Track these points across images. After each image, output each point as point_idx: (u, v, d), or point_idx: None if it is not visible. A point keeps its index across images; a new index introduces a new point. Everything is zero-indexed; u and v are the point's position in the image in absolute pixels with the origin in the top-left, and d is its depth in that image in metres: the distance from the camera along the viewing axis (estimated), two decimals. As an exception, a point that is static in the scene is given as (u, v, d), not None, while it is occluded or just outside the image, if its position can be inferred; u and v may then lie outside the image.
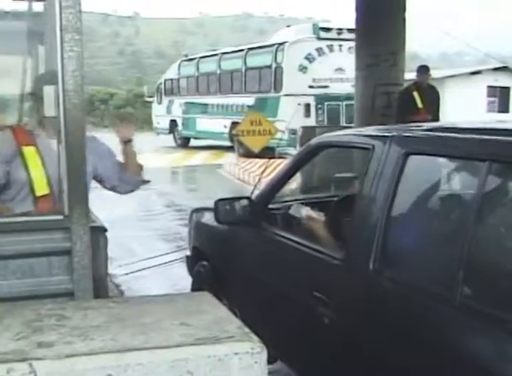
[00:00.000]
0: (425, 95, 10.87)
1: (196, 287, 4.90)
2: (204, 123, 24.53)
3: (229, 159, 19.13)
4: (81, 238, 2.99)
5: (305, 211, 4.02)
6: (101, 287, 3.39)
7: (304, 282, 3.46)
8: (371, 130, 3.71)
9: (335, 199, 4.13)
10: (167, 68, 29.70)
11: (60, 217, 3.05)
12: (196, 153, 23.29)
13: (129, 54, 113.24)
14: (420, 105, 10.78)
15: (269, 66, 20.33)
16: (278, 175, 4.24)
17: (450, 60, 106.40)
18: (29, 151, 3.63)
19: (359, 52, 11.64)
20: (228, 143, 22.02)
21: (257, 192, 4.55)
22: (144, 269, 7.73)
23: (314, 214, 3.96)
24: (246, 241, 4.29)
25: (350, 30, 16.85)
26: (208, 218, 4.73)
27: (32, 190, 3.63)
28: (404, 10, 11.38)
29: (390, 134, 3.20)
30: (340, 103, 19.36)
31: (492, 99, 30.07)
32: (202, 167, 19.45)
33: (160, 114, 28.80)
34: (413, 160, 2.94)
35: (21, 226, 3.05)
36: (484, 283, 2.34)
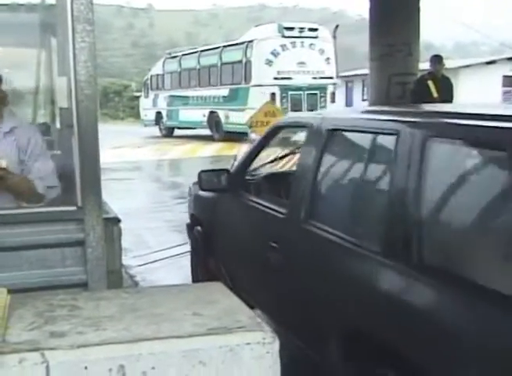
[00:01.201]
0: (440, 85, 10.81)
1: (192, 249, 6.05)
2: (186, 114, 27.43)
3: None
4: (94, 229, 3.00)
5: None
6: (115, 279, 3.40)
7: (264, 235, 4.30)
8: (309, 113, 4.74)
9: (283, 172, 5.24)
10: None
11: (73, 208, 3.06)
12: (209, 144, 23.41)
13: (143, 46, 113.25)
14: (435, 94, 10.72)
15: (240, 61, 23.18)
16: (249, 152, 5.20)
17: (465, 50, 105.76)
18: None
19: (373, 42, 11.60)
20: (206, 131, 25.51)
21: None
22: (158, 260, 7.76)
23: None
24: (226, 206, 5.20)
25: (311, 29, 22.58)
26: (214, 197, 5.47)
27: None
28: (418, 0, 11.32)
29: (320, 116, 4.27)
30: (302, 92, 22.68)
31: (508, 88, 29.90)
32: (216, 158, 19.59)
33: (147, 107, 31.71)
34: (336, 136, 3.87)
35: (34, 217, 3.07)
36: (377, 229, 3.14)
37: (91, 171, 3.00)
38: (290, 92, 22.45)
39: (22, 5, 5.58)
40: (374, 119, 3.69)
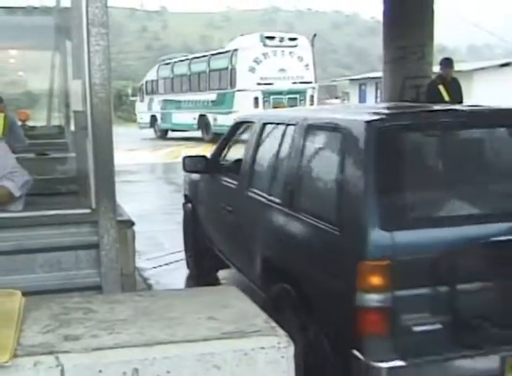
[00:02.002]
0: (450, 88, 10.75)
1: (184, 222, 7.43)
2: (178, 117, 29.59)
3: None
4: (109, 232, 3.00)
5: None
6: (129, 281, 3.40)
7: (224, 202, 5.71)
8: (255, 112, 6.93)
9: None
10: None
11: (88, 211, 3.07)
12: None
13: (156, 49, 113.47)
14: (446, 98, 10.67)
15: (226, 68, 25.39)
16: (220, 143, 6.59)
17: (479, 53, 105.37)
18: None
19: (387, 44, 11.55)
20: (197, 133, 27.38)
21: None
22: (171, 262, 7.76)
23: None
24: (204, 184, 6.65)
25: (290, 39, 24.90)
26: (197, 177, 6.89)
27: None
28: (432, 2, 11.26)
29: (259, 114, 6.22)
30: (283, 96, 24.59)
31: (522, 91, 29.71)
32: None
33: (142, 111, 33.89)
34: (266, 128, 5.24)
35: (48, 220, 3.08)
36: (281, 190, 4.48)
37: (105, 174, 3.00)
38: (271, 96, 24.33)
39: (37, 8, 5.61)
40: (285, 115, 5.34)
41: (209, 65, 27.26)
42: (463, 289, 3.23)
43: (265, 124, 5.30)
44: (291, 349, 2.01)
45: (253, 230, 4.86)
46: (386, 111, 4.44)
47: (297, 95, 25.03)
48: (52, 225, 3.05)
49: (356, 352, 3.23)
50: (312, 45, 25.82)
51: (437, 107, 4.69)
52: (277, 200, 4.45)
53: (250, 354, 1.96)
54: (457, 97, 10.79)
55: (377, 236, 3.23)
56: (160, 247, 8.60)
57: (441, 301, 3.25)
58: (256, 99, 24.00)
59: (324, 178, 4.07)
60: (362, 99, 40.67)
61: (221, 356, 1.95)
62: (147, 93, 33.37)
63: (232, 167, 6.09)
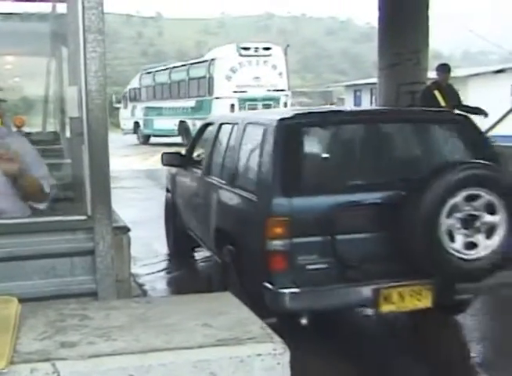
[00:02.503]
0: (446, 94, 10.76)
1: (165, 212, 8.77)
2: (160, 123, 31.04)
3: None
4: (104, 238, 3.00)
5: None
6: (124, 287, 3.40)
7: (194, 189, 6.99)
8: (216, 115, 10.63)
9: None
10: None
11: (83, 217, 3.06)
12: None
13: (152, 55, 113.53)
14: (442, 103, 10.69)
15: (205, 77, 27.27)
16: (191, 142, 8.21)
17: (474, 59, 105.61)
18: None
19: (382, 51, 11.60)
20: (178, 138, 28.45)
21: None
22: (167, 269, 7.76)
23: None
24: (179, 177, 7.92)
25: (265, 49, 26.73)
26: (173, 169, 8.17)
27: None
28: (427, 8, 11.31)
29: (218, 116, 8.55)
30: (257, 102, 25.78)
31: (517, 97, 29.77)
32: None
33: (126, 117, 35.46)
34: (222, 127, 6.60)
35: (44, 227, 3.07)
36: (226, 173, 5.86)
37: (101, 181, 3.00)
38: (247, 103, 25.49)
39: (33, 14, 5.62)
40: (234, 117, 7.48)
41: (188, 74, 29.08)
42: (342, 238, 4.63)
43: (221, 125, 6.72)
44: (287, 356, 2.01)
45: (209, 207, 6.11)
46: (297, 113, 5.61)
47: (272, 102, 26.24)
48: (47, 232, 3.05)
49: (267, 284, 4.60)
50: (286, 54, 27.96)
51: (332, 109, 8.01)
52: (224, 182, 5.81)
53: (246, 361, 1.96)
54: (454, 102, 10.82)
55: (279, 200, 4.68)
56: (155, 253, 8.60)
57: (326, 247, 4.62)
58: (232, 105, 25.41)
59: (251, 161, 5.40)
60: (357, 105, 40.72)
61: (218, 362, 1.95)
62: (130, 100, 34.99)
63: (199, 160, 7.38)
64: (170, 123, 29.11)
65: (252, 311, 2.31)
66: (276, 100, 26.48)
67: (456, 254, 4.68)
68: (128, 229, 3.69)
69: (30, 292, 2.88)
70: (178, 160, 7.70)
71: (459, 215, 4.69)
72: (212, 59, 27.13)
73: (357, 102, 40.57)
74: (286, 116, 5.37)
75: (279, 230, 4.65)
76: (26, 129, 8.90)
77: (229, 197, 5.59)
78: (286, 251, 4.64)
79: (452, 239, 4.67)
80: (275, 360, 1.99)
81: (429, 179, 4.72)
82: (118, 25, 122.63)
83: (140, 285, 7.07)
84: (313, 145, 5.37)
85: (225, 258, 5.44)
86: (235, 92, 25.69)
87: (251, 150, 5.47)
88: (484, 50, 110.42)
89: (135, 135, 33.96)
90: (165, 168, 8.34)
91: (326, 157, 5.20)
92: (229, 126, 6.32)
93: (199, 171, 6.86)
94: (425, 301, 4.84)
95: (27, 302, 2.33)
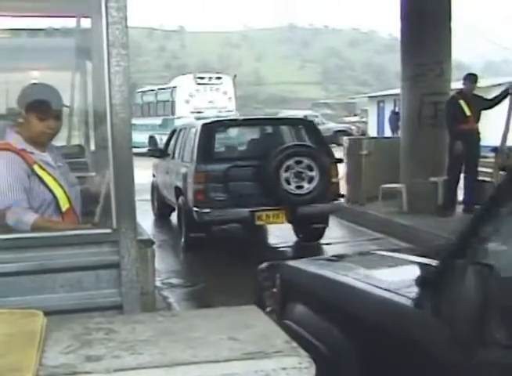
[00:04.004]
0: (471, 103, 10.70)
1: (151, 190, 13.31)
2: (134, 136, 32.95)
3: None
4: (129, 251, 3.00)
5: None
6: (148, 300, 3.40)
7: (165, 169, 11.76)
8: (181, 123, 15.32)
9: None
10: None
11: (108, 230, 3.07)
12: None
13: (175, 68, 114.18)
14: (468, 113, 10.63)
15: (169, 100, 32.80)
16: (166, 140, 12.77)
17: (496, 69, 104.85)
18: (38, 170, 3.57)
19: (405, 62, 11.57)
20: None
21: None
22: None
23: None
24: (159, 165, 12.54)
25: (217, 78, 32.76)
26: (156, 161, 12.99)
27: (58, 207, 3.61)
28: (450, 19, 11.27)
29: (182, 124, 13.85)
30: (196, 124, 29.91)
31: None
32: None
33: None
34: (182, 130, 11.40)
35: (70, 240, 3.08)
36: (187, 157, 10.47)
37: (125, 194, 3.01)
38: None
39: (58, 29, 5.67)
40: (187, 123, 13.14)
41: (156, 97, 34.55)
42: (232, 183, 9.30)
43: (180, 129, 11.74)
44: (312, 370, 1.99)
45: (172, 176, 10.96)
46: (213, 121, 11.26)
47: None
48: (73, 245, 3.06)
49: (195, 208, 9.23)
50: (234, 81, 32.93)
51: (232, 118, 16.67)
52: (179, 159, 10.67)
53: (271, 375, 1.95)
54: (482, 108, 10.79)
55: (200, 165, 9.38)
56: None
57: (224, 188, 9.26)
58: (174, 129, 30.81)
59: (190, 146, 10.05)
60: (380, 116, 40.59)
61: (243, 376, 1.94)
62: None
63: (170, 152, 11.76)
64: (142, 137, 32.14)
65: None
66: None
67: (291, 192, 9.25)
68: (153, 242, 3.70)
69: (55, 305, 2.89)
70: (157, 153, 13.20)
71: (292, 170, 9.26)
72: (174, 87, 32.84)
73: (380, 113, 40.46)
74: (207, 122, 10.70)
75: (200, 179, 9.31)
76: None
77: (181, 167, 10.32)
78: (203, 190, 9.30)
79: (288, 184, 9.25)
80: (301, 374, 1.97)
81: (276, 152, 9.30)
82: (141, 38, 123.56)
83: (164, 297, 7.08)
84: (219, 137, 10.84)
85: (180, 204, 10.19)
86: (192, 112, 30.22)
87: (190, 140, 10.22)
88: (508, 60, 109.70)
89: None
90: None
91: (225, 143, 11.70)
92: (183, 130, 11.31)
93: (170, 159, 11.58)
94: (281, 219, 9.48)
95: (52, 315, 2.33)
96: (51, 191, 3.59)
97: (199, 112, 30.19)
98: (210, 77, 32.76)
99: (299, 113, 39.62)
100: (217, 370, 1.94)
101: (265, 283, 3.87)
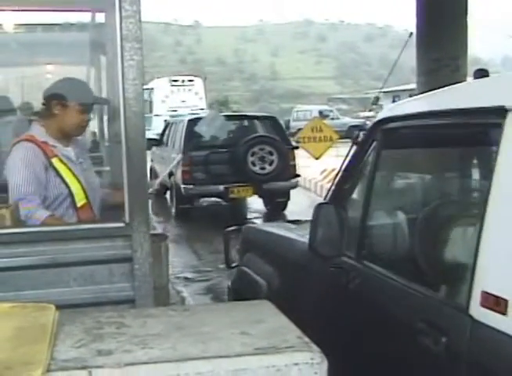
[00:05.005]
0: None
1: (149, 172, 13.36)
2: None
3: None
4: (142, 245, 3.00)
5: None
6: (162, 295, 3.40)
7: (160, 154, 15.53)
8: (173, 118, 20.24)
9: None
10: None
11: (121, 225, 3.07)
12: None
13: (191, 62, 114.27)
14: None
15: (147, 100, 34.17)
16: (162, 131, 16.67)
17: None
18: (57, 163, 3.61)
19: (420, 57, 11.49)
20: None
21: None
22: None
23: None
24: (156, 152, 15.74)
25: (189, 80, 36.27)
26: (154, 148, 15.94)
27: (73, 202, 3.64)
28: (466, 14, 11.17)
29: (173, 119, 18.65)
30: (184, 118, 32.60)
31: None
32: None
33: None
34: (172, 125, 15.42)
35: (82, 234, 3.09)
36: (177, 146, 13.95)
37: (138, 188, 3.01)
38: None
39: (73, 24, 5.67)
40: (175, 119, 16.43)
41: None
42: (212, 166, 12.59)
43: (173, 123, 15.08)
44: (325, 365, 1.98)
45: (166, 161, 14.14)
46: (198, 116, 13.86)
47: None
48: (86, 239, 3.06)
49: (182, 185, 12.59)
50: (204, 83, 36.66)
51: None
52: (170, 147, 14.07)
53: (283, 370, 1.94)
54: None
55: (187, 154, 12.48)
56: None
57: (206, 169, 12.61)
58: (165, 121, 33.13)
59: (178, 137, 13.49)
60: (395, 111, 40.39)
61: (254, 371, 1.93)
62: None
63: (165, 141, 14.88)
64: None
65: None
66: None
67: (256, 172, 12.28)
68: (166, 237, 3.69)
69: (68, 299, 2.89)
70: (154, 142, 15.53)
71: (257, 155, 12.29)
72: (151, 88, 35.63)
73: (396, 108, 40.26)
74: (192, 118, 13.56)
75: (187, 163, 12.27)
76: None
77: (172, 154, 13.44)
78: (189, 171, 12.38)
79: (254, 166, 12.27)
80: (313, 369, 1.96)
81: (245, 141, 12.25)
82: (157, 33, 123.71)
83: (178, 292, 7.09)
84: (204, 132, 11.71)
85: (172, 183, 13.25)
86: (168, 111, 32.99)
87: (178, 131, 13.37)
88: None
89: None
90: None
91: (212, 138, 12.07)
92: (174, 124, 14.62)
93: (164, 146, 14.84)
94: (250, 193, 12.71)
95: (64, 309, 2.34)
96: (67, 185, 3.61)
97: (174, 110, 33.00)
98: (184, 80, 36.62)
99: (314, 108, 43.50)
100: (228, 366, 1.93)
101: (231, 242, 4.77)
